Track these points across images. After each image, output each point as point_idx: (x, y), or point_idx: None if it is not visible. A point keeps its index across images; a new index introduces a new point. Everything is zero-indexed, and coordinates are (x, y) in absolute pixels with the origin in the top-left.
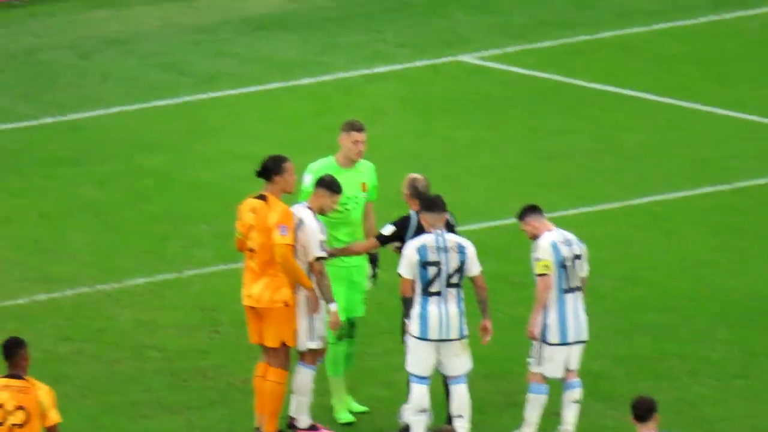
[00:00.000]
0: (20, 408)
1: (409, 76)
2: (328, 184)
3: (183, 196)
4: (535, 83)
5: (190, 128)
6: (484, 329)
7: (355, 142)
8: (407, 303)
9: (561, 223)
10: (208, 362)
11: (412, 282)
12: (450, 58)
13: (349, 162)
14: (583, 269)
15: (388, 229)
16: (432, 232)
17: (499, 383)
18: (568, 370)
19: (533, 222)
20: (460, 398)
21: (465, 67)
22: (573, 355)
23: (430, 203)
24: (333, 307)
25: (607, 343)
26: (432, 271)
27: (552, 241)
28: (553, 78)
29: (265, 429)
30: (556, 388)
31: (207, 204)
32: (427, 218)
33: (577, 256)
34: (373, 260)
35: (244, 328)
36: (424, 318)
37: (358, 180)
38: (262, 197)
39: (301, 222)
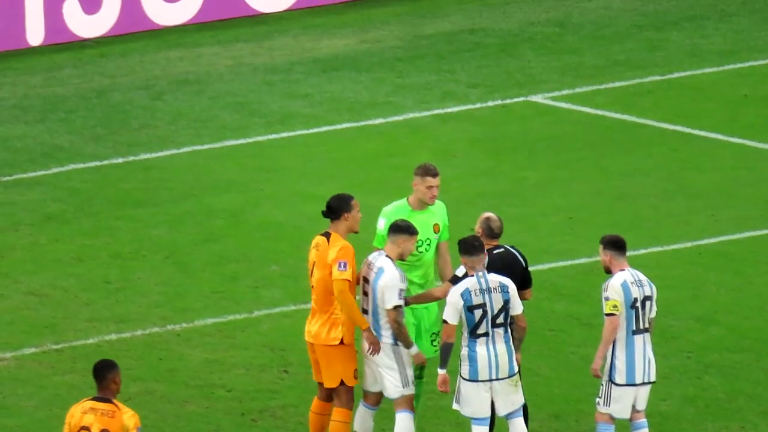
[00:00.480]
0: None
1: (479, 116)
2: (406, 229)
3: (253, 236)
4: (606, 123)
5: (261, 168)
6: (516, 361)
7: (430, 187)
8: (445, 350)
9: (632, 262)
10: (277, 402)
11: (454, 328)
12: (521, 99)
13: (422, 205)
14: (652, 310)
15: (461, 271)
16: (473, 274)
17: (569, 423)
18: (635, 411)
19: (611, 255)
20: (519, 431)
21: (536, 107)
22: (640, 396)
23: (467, 245)
24: (414, 350)
25: (677, 384)
26: (478, 313)
27: (623, 281)
28: (623, 118)
29: None
30: (625, 428)
31: (277, 244)
32: (466, 261)
33: (648, 297)
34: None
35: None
36: (473, 360)
37: (431, 222)
38: (327, 234)
39: (381, 270)
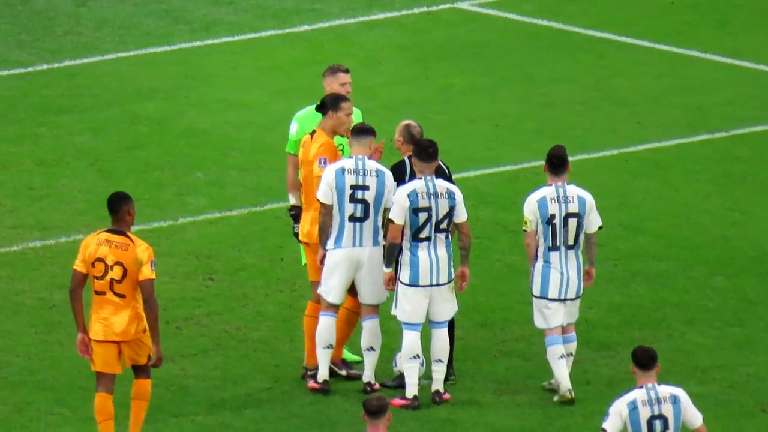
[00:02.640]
0: (118, 264)
1: (405, 23)
2: (371, 130)
3: (178, 143)
4: (533, 30)
5: (185, 75)
6: (462, 276)
7: (343, 83)
8: (392, 250)
9: None
10: (202, 310)
11: (402, 227)
12: (447, 5)
13: None
14: (580, 227)
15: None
16: (421, 177)
17: (494, 332)
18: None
19: (547, 170)
20: (443, 343)
21: (462, 13)
22: (566, 311)
23: (422, 149)
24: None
25: (604, 292)
26: (423, 216)
27: (541, 197)
28: (550, 25)
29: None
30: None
31: (202, 151)
32: (417, 164)
33: (572, 215)
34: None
35: (238, 276)
36: (414, 264)
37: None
38: (312, 132)
39: (381, 173)
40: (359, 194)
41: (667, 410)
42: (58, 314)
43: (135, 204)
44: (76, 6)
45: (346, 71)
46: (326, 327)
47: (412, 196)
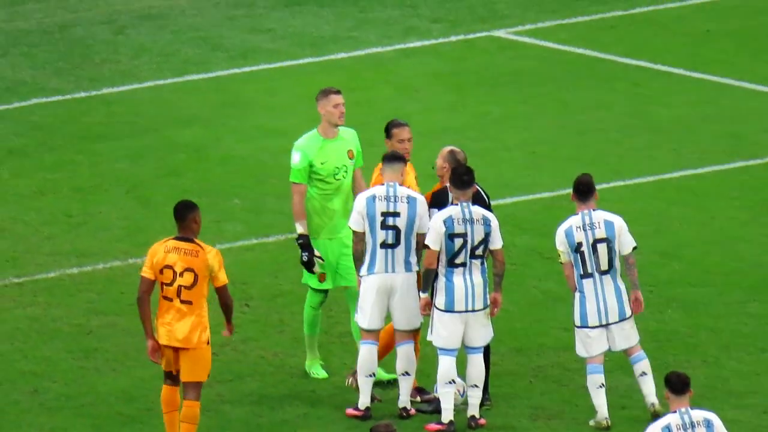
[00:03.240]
0: (188, 270)
1: (442, 51)
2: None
3: (215, 170)
4: (568, 58)
5: (223, 103)
6: (494, 302)
7: (336, 105)
8: (428, 276)
9: None
10: (238, 336)
11: (438, 253)
12: (484, 33)
13: (333, 131)
14: (613, 251)
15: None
16: (457, 203)
17: (530, 357)
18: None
19: (575, 199)
20: (479, 368)
21: (498, 41)
22: (613, 337)
23: (458, 177)
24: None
25: (639, 318)
26: (458, 242)
27: (567, 228)
28: (586, 53)
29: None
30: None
31: (239, 178)
32: (453, 191)
33: (601, 240)
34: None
35: (275, 302)
36: (449, 290)
37: (345, 148)
38: None
39: (412, 199)
40: (390, 221)
41: None
42: (95, 340)
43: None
44: (114, 34)
45: (338, 92)
46: (366, 355)
47: (448, 222)
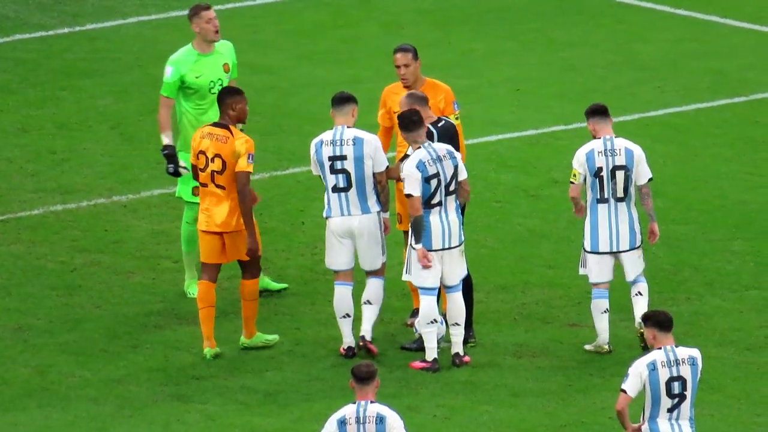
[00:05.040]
0: (218, 156)
1: None
2: (351, 98)
3: None
4: None
5: None
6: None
7: (209, 20)
8: (418, 224)
9: (580, 134)
10: (223, 273)
11: (420, 199)
12: None
13: (208, 46)
14: (629, 179)
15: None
16: (419, 147)
17: (515, 294)
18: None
19: (594, 123)
20: (457, 306)
21: None
22: (624, 265)
23: (406, 121)
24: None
25: None
26: (433, 183)
27: (589, 150)
28: None
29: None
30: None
31: None
32: (407, 136)
33: (620, 167)
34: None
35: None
36: (426, 230)
37: (220, 62)
38: None
39: (359, 139)
40: (339, 165)
41: (686, 371)
42: (79, 278)
43: (244, 101)
44: None
45: (208, 7)
46: (340, 297)
47: (421, 166)
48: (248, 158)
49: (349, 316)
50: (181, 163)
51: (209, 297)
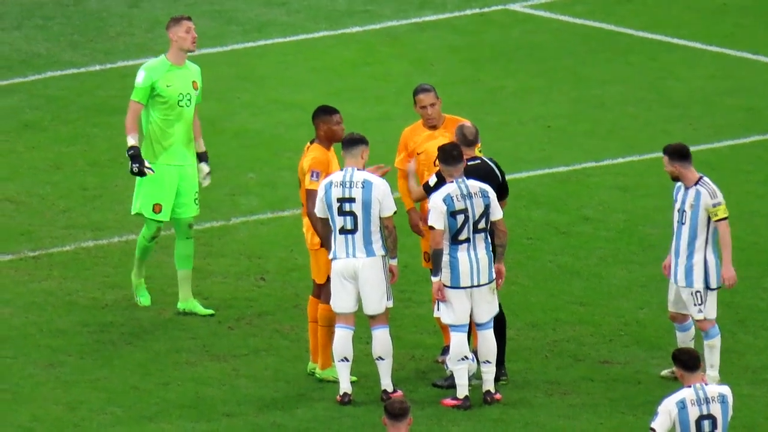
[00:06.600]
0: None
1: (457, 24)
2: (361, 140)
3: (230, 144)
4: (584, 31)
5: (238, 76)
6: (498, 272)
7: (188, 29)
8: (437, 257)
9: (611, 171)
10: (254, 310)
11: (443, 233)
12: (499, 7)
13: (182, 58)
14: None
15: (433, 179)
16: (452, 181)
17: (546, 332)
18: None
19: (679, 165)
20: (488, 344)
21: (514, 15)
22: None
23: (446, 154)
24: (396, 261)
25: (655, 292)
26: (460, 219)
27: (720, 194)
28: (602, 26)
29: None
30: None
31: (254, 152)
32: (444, 169)
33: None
34: (205, 158)
35: (290, 276)
36: (454, 266)
37: (190, 78)
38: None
39: (368, 183)
40: (347, 207)
41: (716, 410)
42: (110, 314)
43: (334, 121)
44: (129, 7)
45: (189, 18)
46: (340, 340)
47: (448, 200)
48: (311, 175)
49: (347, 360)
50: (146, 163)
51: (311, 311)
